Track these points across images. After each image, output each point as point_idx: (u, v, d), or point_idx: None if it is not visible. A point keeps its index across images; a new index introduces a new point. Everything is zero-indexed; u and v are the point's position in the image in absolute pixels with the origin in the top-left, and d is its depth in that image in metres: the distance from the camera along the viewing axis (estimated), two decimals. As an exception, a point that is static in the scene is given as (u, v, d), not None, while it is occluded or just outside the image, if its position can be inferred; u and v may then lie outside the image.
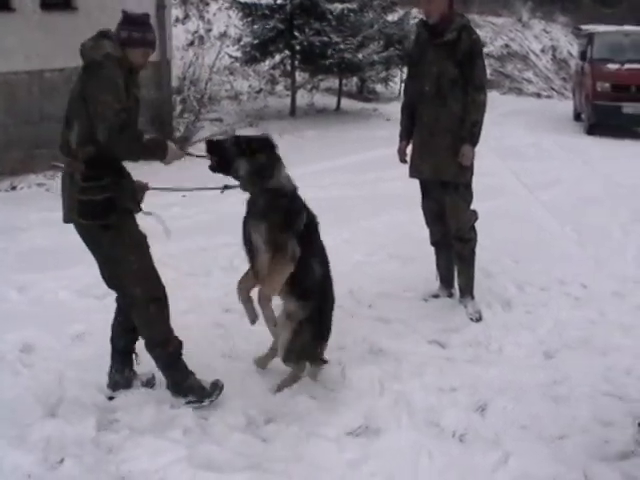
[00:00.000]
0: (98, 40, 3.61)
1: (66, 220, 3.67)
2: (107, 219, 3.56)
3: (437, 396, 3.91)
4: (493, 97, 16.60)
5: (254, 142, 3.94)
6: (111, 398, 3.93)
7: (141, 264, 3.70)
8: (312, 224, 4.10)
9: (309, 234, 4.01)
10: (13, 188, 9.31)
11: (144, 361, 4.00)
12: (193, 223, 7.07)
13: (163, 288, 3.80)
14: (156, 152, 3.64)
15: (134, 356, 4.03)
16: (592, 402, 3.90)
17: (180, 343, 3.83)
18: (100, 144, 3.42)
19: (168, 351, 3.79)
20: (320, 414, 3.76)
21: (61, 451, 3.41)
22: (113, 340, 4.00)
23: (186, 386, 3.80)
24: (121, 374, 4.00)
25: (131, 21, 3.68)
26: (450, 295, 5.20)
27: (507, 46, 21.99)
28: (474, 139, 4.73)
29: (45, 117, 10.07)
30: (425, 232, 5.24)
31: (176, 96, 12.45)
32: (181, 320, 4.79)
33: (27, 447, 3.44)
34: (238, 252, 6.17)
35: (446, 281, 5.20)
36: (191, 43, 16.28)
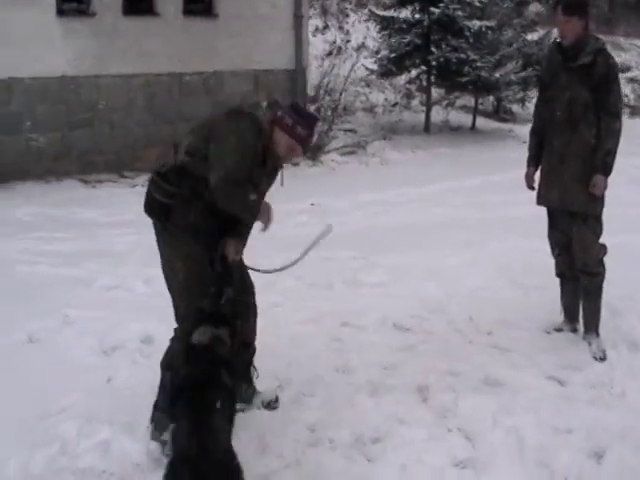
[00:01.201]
0: (260, 103, 3.60)
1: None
2: (163, 220, 3.56)
3: (551, 436, 3.72)
4: (637, 124, 15.87)
5: None
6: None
7: (188, 275, 3.52)
8: None
9: None
10: (149, 183, 9.71)
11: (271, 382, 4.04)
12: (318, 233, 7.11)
13: None
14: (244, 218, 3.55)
15: (252, 369, 3.96)
16: None
17: None
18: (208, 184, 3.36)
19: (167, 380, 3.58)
20: (428, 441, 3.67)
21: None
22: None
23: (154, 416, 3.58)
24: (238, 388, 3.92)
25: (301, 114, 3.57)
26: (574, 330, 4.98)
27: (654, 70, 20.96)
28: (607, 169, 4.52)
29: (182, 117, 10.50)
30: (551, 261, 5.04)
31: (311, 105, 12.64)
32: (299, 330, 4.89)
33: (137, 436, 3.56)
34: (362, 266, 6.29)
35: (570, 315, 4.98)
36: (329, 53, 16.47)
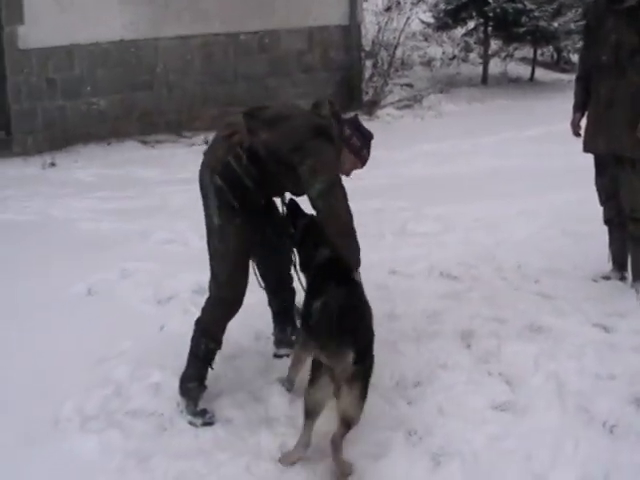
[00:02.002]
0: (323, 105, 3.65)
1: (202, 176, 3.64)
2: (235, 196, 3.51)
3: (593, 382, 3.73)
4: None
5: None
6: (276, 355, 4.02)
7: (234, 247, 3.57)
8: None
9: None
10: (207, 142, 9.87)
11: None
12: (372, 185, 7.15)
13: (240, 293, 3.65)
14: (352, 246, 3.50)
15: (295, 313, 4.04)
16: None
17: (214, 353, 3.67)
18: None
19: (205, 345, 3.64)
20: (469, 385, 3.73)
21: (218, 387, 3.69)
22: (269, 303, 4.09)
23: (190, 388, 3.58)
24: (283, 333, 4.08)
25: (364, 134, 3.68)
26: (622, 278, 4.93)
27: None
28: None
29: (239, 77, 10.61)
30: (602, 211, 4.99)
31: (367, 60, 12.56)
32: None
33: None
34: (412, 216, 6.32)
35: (618, 263, 4.93)
36: (388, 8, 16.26)
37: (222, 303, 3.65)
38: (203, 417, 3.48)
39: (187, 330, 4.21)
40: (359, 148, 3.64)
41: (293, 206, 3.82)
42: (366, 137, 3.68)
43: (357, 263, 3.51)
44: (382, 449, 3.23)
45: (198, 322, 3.68)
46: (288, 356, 3.91)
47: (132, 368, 3.88)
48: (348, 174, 3.72)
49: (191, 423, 3.46)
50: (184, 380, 3.58)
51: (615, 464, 3.14)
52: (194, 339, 3.65)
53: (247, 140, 3.50)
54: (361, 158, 3.67)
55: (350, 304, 3.28)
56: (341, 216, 3.45)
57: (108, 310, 4.64)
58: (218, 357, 3.94)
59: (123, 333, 4.28)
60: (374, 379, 3.66)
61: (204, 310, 3.70)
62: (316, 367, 3.13)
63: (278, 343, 4.10)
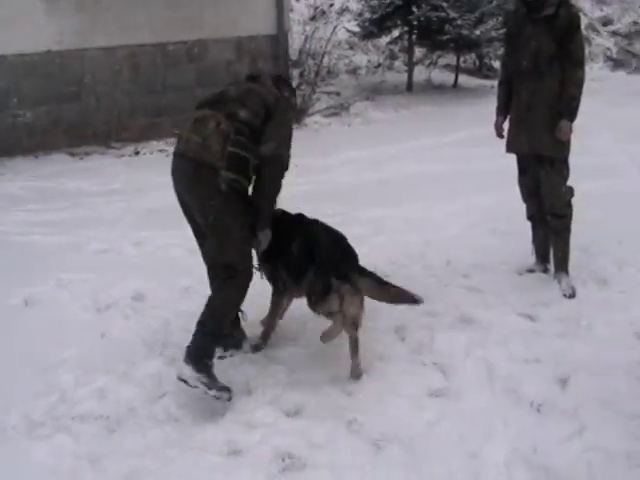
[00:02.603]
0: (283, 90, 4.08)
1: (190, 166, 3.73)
2: (248, 180, 3.77)
3: (520, 366, 3.98)
4: (619, 77, 16.02)
5: None
6: (221, 357, 4.05)
7: (246, 233, 3.79)
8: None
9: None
10: (136, 153, 9.90)
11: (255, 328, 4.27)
12: (302, 191, 7.27)
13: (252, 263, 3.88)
14: (273, 205, 3.92)
15: (240, 314, 4.11)
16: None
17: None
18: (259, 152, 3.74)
19: (226, 321, 3.82)
20: (404, 375, 3.92)
21: (162, 388, 3.76)
22: None
23: (206, 364, 3.63)
24: (230, 334, 4.13)
25: (291, 86, 4.30)
26: (545, 270, 5.22)
27: (636, 23, 20.96)
28: (571, 114, 4.70)
29: (168, 87, 10.63)
30: (525, 209, 5.26)
31: (294, 69, 12.72)
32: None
33: (132, 382, 3.83)
34: (343, 220, 6.46)
35: (541, 256, 5.22)
36: (312, 17, 16.49)
37: (244, 283, 3.78)
38: (229, 392, 3.61)
39: (129, 336, 4.32)
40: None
41: None
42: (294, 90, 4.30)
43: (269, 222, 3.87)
44: (324, 438, 3.38)
45: (216, 307, 3.75)
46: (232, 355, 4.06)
47: (76, 375, 3.92)
48: None
49: (217, 398, 3.57)
50: (202, 357, 3.60)
51: (542, 439, 3.37)
52: (211, 317, 3.71)
53: (231, 125, 3.69)
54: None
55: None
56: (275, 185, 3.86)
57: (47, 320, 4.64)
58: (161, 359, 4.04)
59: (64, 342, 4.30)
60: (314, 374, 3.85)
61: (222, 295, 3.78)
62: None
63: (224, 346, 4.13)
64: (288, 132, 3.90)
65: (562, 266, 5.03)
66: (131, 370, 3.95)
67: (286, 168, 3.86)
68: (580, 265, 5.22)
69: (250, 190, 3.86)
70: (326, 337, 3.89)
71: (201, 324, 3.69)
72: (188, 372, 3.56)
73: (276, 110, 3.83)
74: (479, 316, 4.56)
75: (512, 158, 5.16)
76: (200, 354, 3.61)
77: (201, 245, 4.02)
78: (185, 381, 3.55)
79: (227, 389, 3.62)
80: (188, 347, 3.63)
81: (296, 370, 3.96)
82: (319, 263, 3.85)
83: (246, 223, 3.78)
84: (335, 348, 4.08)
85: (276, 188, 3.86)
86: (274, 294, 4.21)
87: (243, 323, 4.21)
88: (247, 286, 3.79)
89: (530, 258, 5.30)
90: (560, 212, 4.92)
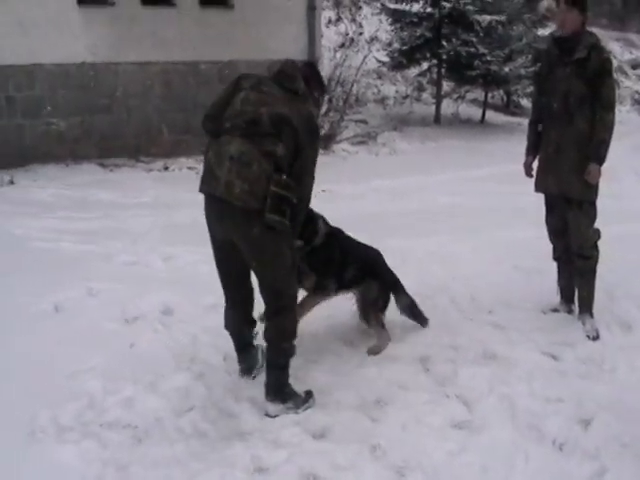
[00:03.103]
0: (313, 89, 3.94)
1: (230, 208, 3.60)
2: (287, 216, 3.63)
3: (542, 404, 4.00)
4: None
5: None
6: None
7: (294, 260, 3.85)
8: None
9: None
10: (166, 169, 10.05)
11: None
12: (328, 219, 7.35)
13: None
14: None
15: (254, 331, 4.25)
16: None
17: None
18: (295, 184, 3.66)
19: (294, 348, 3.87)
20: (428, 405, 3.96)
21: (189, 401, 3.82)
22: (239, 336, 4.18)
23: (288, 391, 3.86)
24: (253, 358, 4.21)
25: (322, 82, 4.12)
26: (569, 311, 5.24)
27: (666, 67, 21.04)
28: (600, 158, 4.74)
29: (198, 106, 10.76)
30: (551, 247, 5.30)
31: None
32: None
33: (159, 394, 3.89)
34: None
35: (566, 297, 5.25)
36: (342, 45, 16.70)
37: (294, 310, 3.89)
38: (311, 396, 3.91)
39: (157, 348, 4.38)
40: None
41: None
42: (323, 83, 4.14)
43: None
44: (349, 461, 3.42)
45: (282, 339, 3.82)
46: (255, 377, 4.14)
47: (104, 382, 3.98)
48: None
49: (307, 408, 3.84)
50: (283, 387, 3.84)
51: (563, 476, 3.41)
52: (280, 352, 3.83)
53: (271, 163, 3.58)
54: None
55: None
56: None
57: (76, 327, 4.72)
58: (189, 374, 4.10)
59: (93, 349, 4.37)
60: (341, 397, 3.89)
61: (282, 325, 3.82)
62: None
63: (249, 369, 4.20)
64: (315, 163, 3.84)
65: (587, 308, 5.06)
66: (158, 382, 4.01)
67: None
68: (605, 308, 5.25)
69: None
70: (375, 352, 4.45)
71: (271, 361, 3.84)
72: (274, 408, 3.78)
73: (308, 144, 3.68)
74: (503, 352, 4.59)
75: (539, 196, 5.21)
76: (280, 387, 3.83)
77: (227, 288, 4.06)
78: (275, 416, 3.76)
79: (309, 395, 3.91)
80: (266, 385, 3.83)
81: (323, 392, 4.01)
82: (383, 281, 4.64)
83: (291, 252, 3.82)
84: (358, 372, 4.14)
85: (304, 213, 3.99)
86: (312, 295, 4.49)
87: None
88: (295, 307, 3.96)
89: (555, 297, 5.33)
90: (586, 254, 4.96)
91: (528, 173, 5.19)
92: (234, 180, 3.53)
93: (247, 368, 4.19)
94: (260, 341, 4.08)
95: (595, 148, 4.73)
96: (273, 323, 3.82)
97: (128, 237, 6.84)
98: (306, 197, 3.83)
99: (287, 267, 3.76)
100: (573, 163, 4.81)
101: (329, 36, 16.85)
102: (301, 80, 3.83)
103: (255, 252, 3.70)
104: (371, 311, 4.59)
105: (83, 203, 8.14)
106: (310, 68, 4.05)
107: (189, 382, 3.97)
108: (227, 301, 4.09)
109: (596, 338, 4.90)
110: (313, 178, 3.82)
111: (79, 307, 5.06)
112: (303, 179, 3.71)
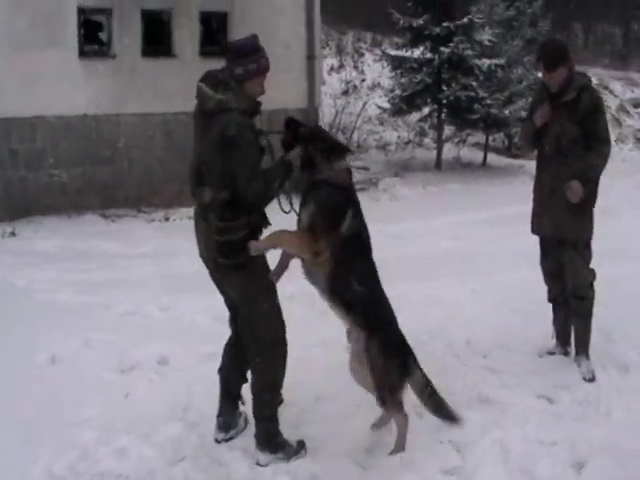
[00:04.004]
0: (219, 93, 3.63)
1: (205, 259, 3.85)
2: (244, 258, 3.63)
3: (536, 447, 3.98)
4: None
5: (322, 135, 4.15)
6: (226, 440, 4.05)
7: (271, 305, 3.82)
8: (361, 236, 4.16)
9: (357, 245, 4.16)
10: (167, 219, 10.14)
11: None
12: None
13: (285, 333, 3.89)
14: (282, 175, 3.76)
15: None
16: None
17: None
18: (240, 195, 3.59)
19: (277, 399, 3.89)
20: (420, 451, 3.94)
21: (182, 451, 3.83)
22: (229, 384, 4.08)
23: (278, 441, 3.84)
24: (232, 416, 4.08)
25: (243, 53, 3.68)
26: (565, 353, 5.23)
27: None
28: (585, 178, 4.73)
29: (200, 155, 10.88)
30: (550, 290, 5.33)
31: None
32: (306, 353, 5.15)
33: (152, 443, 3.90)
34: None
35: (562, 339, 5.24)
36: (345, 92, 16.92)
37: (281, 357, 3.84)
38: (303, 447, 3.88)
39: (152, 398, 4.41)
40: (251, 72, 3.68)
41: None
42: (246, 53, 3.68)
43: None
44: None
45: (261, 389, 3.82)
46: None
47: (99, 433, 4.02)
48: (263, 91, 3.82)
49: (298, 459, 3.81)
50: (273, 437, 3.83)
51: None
52: (262, 404, 3.82)
53: (214, 215, 3.67)
54: (258, 74, 3.72)
55: None
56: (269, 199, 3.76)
57: (72, 378, 4.77)
58: (182, 423, 4.11)
59: (88, 400, 4.42)
60: (331, 445, 3.89)
61: (261, 374, 3.81)
62: None
63: (227, 428, 4.06)
64: (252, 164, 3.63)
65: (582, 349, 5.05)
66: (152, 432, 4.03)
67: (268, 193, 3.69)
68: (601, 349, 5.24)
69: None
70: (398, 450, 3.93)
71: (255, 413, 3.85)
72: (265, 458, 3.78)
73: (230, 152, 3.56)
74: (497, 396, 4.58)
75: (536, 239, 5.24)
76: (269, 437, 3.81)
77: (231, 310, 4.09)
78: (265, 465, 3.75)
79: (300, 445, 3.87)
80: (256, 435, 3.83)
81: (315, 439, 4.01)
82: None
83: (265, 296, 3.81)
84: (350, 420, 4.14)
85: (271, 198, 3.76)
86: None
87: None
88: (285, 360, 3.86)
89: (551, 340, 5.32)
90: (582, 294, 4.97)
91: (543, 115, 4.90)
92: (200, 240, 3.85)
93: (223, 423, 4.04)
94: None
95: (583, 168, 4.75)
96: (254, 374, 3.85)
97: (128, 287, 6.91)
98: (259, 199, 3.66)
99: (263, 311, 3.76)
100: (567, 204, 4.82)
101: (331, 83, 17.11)
102: (212, 90, 3.64)
103: (232, 295, 3.86)
104: (385, 384, 3.93)
105: (85, 254, 8.23)
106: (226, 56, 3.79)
107: (182, 432, 3.99)
108: (230, 337, 4.12)
109: (592, 380, 4.89)
110: (260, 179, 3.61)
111: (76, 358, 5.12)
112: (250, 186, 3.56)
